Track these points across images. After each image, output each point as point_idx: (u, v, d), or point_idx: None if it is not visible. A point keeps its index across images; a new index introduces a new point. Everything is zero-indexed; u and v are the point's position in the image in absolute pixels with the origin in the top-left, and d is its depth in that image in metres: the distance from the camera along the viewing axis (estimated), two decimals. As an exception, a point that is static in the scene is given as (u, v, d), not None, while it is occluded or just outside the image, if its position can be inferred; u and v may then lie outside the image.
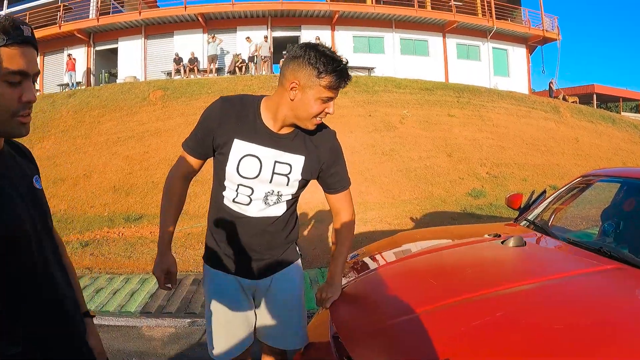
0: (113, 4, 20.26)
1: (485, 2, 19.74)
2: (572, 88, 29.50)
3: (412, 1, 18.69)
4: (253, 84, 14.42)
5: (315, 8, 17.62)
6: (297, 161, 1.64)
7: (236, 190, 1.65)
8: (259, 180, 1.62)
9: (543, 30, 20.30)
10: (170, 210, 1.70)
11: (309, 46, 1.48)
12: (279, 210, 1.71)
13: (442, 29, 19.11)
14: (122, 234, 7.89)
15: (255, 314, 1.84)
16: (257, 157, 1.60)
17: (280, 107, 1.55)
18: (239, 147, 1.59)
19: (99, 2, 18.95)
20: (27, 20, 18.64)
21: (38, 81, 7.40)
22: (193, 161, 1.68)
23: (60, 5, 19.35)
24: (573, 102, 19.26)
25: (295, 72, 1.47)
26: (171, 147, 11.49)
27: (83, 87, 17.91)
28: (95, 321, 2.90)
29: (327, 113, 1.53)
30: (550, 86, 22.14)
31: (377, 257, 2.39)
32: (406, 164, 10.46)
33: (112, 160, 11.62)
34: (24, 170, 1.12)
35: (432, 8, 19.47)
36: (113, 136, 12.68)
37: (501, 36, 20.08)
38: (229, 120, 1.59)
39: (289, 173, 1.64)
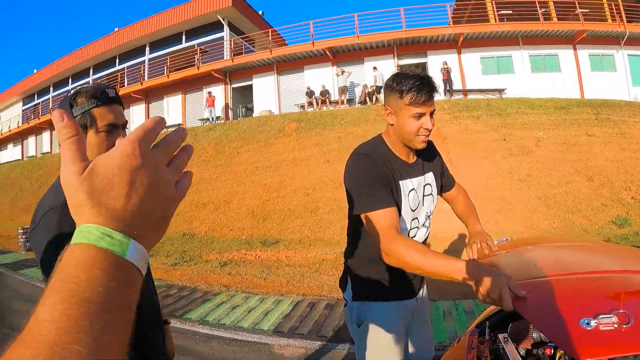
0: (245, 45, 22.84)
1: (613, 5, 18.96)
2: None
3: (536, 14, 18.40)
4: (384, 112, 15.39)
5: (439, 33, 18.01)
6: (431, 177, 1.96)
7: (409, 225, 1.84)
8: (420, 209, 1.89)
9: None
10: (434, 253, 1.50)
11: (393, 74, 1.79)
12: (429, 227, 1.98)
13: (571, 40, 18.69)
14: (259, 257, 8.75)
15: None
16: (415, 190, 1.85)
17: (391, 136, 1.85)
18: (404, 186, 1.81)
19: (232, 44, 21.48)
20: (167, 63, 21.94)
21: (182, 118, 16.84)
22: (392, 212, 1.67)
23: (197, 49, 22.30)
24: None
25: (387, 100, 1.81)
26: (306, 176, 12.49)
27: (222, 121, 20.33)
28: (229, 335, 4.62)
29: (426, 129, 1.73)
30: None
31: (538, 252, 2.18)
32: (544, 190, 10.38)
33: (250, 188, 12.90)
34: None
35: (559, 19, 19.10)
36: (251, 166, 14.18)
37: (636, 41, 19.14)
38: (385, 166, 1.78)
39: (432, 191, 1.95)
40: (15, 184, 25.60)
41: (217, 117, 20.79)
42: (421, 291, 2.05)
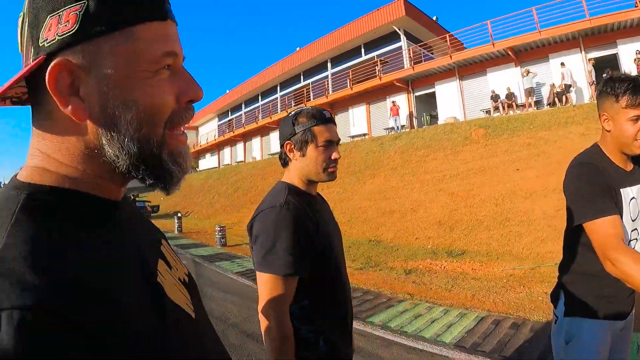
0: (424, 53, 23.34)
1: None
2: None
3: None
4: (576, 114, 14.13)
5: (629, 17, 15.71)
6: None
7: (629, 236, 1.81)
8: None
9: None
10: None
11: (606, 79, 1.82)
12: None
13: None
14: (444, 267, 8.57)
15: None
16: (635, 198, 1.83)
17: (608, 144, 1.86)
18: (625, 195, 1.79)
19: (411, 53, 22.28)
20: (350, 76, 23.65)
21: (367, 128, 17.19)
22: (616, 221, 1.67)
23: (377, 61, 23.81)
24: None
25: (602, 106, 1.83)
26: (495, 185, 12.02)
27: (407, 129, 21.12)
28: (411, 343, 4.70)
29: None
30: None
31: None
32: None
33: (437, 197, 12.84)
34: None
35: None
36: (438, 174, 14.32)
37: None
38: (604, 174, 1.79)
39: None
40: (212, 188, 29.62)
41: (402, 126, 21.72)
42: (630, 315, 1.95)
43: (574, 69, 16.92)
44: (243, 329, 5.31)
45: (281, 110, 31.13)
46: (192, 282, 0.87)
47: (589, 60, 16.76)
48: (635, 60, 15.72)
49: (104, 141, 0.61)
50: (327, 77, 28.57)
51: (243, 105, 38.56)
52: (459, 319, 5.41)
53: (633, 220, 1.83)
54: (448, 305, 6.06)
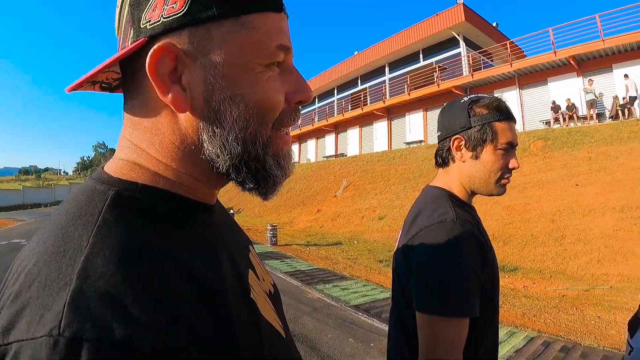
0: (483, 60, 23.12)
1: None
2: None
3: None
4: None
5: None
6: None
7: None
8: None
9: None
10: None
11: None
12: None
13: None
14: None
15: None
16: None
17: None
18: None
19: (471, 59, 21.95)
20: (407, 82, 23.78)
21: (423, 135, 19.34)
22: None
23: (435, 67, 23.73)
24: None
25: None
26: (553, 200, 11.70)
27: None
28: None
29: None
30: None
31: None
32: None
33: (493, 209, 12.43)
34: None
35: None
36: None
37: None
38: None
39: None
40: None
41: None
42: None
43: (627, 83, 16.24)
44: (290, 330, 5.72)
45: (337, 114, 31.51)
46: (277, 293, 0.82)
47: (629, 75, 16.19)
48: None
49: (204, 137, 0.56)
50: (384, 81, 28.78)
51: (300, 108, 38.92)
52: (508, 337, 5.34)
53: None
54: (501, 323, 5.84)
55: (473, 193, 1.38)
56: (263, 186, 0.61)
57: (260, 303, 0.64)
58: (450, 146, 1.35)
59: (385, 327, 5.27)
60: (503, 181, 1.33)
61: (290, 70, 0.61)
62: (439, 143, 1.43)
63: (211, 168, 0.58)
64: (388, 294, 7.13)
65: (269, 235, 14.09)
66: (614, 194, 10.33)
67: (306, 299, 6.96)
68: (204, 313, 0.47)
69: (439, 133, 1.42)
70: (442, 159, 1.40)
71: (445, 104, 1.43)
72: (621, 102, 16.29)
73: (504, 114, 1.31)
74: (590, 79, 17.57)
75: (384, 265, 10.00)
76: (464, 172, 1.35)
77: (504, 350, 4.87)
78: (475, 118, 1.30)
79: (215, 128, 0.56)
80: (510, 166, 1.31)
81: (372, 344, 4.92)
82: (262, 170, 0.60)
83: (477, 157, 1.31)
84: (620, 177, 10.74)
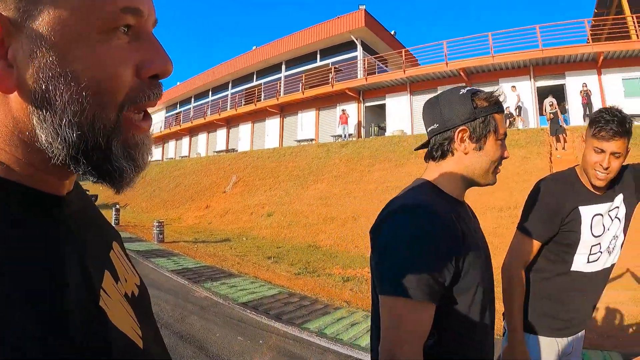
0: (379, 65, 23.44)
1: None
2: None
3: None
4: (520, 137, 14.70)
5: (577, 52, 16.75)
6: (620, 200, 1.94)
7: (588, 251, 1.86)
8: (605, 234, 1.89)
9: None
10: (519, 307, 1.85)
11: (600, 109, 1.83)
12: (617, 256, 1.97)
13: None
14: None
15: None
16: (600, 215, 1.88)
17: (582, 164, 1.92)
18: (585, 213, 1.85)
19: (366, 64, 22.21)
20: (303, 81, 23.23)
21: (314, 133, 18.15)
22: (536, 246, 1.87)
23: (331, 68, 23.53)
24: None
25: (586, 132, 1.88)
26: None
27: (354, 138, 21.06)
28: (346, 351, 4.61)
29: (601, 165, 1.80)
30: None
31: None
32: None
33: (379, 207, 11.83)
34: (478, 225, 1.40)
35: None
36: (382, 185, 14.23)
37: None
38: (567, 194, 1.88)
39: (618, 213, 1.94)
40: (153, 182, 28.26)
41: (350, 135, 21.59)
42: (579, 333, 2.02)
43: (523, 94, 17.69)
44: (176, 330, 5.06)
45: (231, 108, 30.17)
46: (142, 294, 0.69)
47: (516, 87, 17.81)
48: (581, 92, 16.63)
49: (35, 122, 0.44)
50: (279, 79, 28.02)
51: (192, 100, 37.14)
52: None
53: (596, 237, 1.87)
54: None
55: (468, 186, 1.34)
56: (110, 180, 0.50)
57: (114, 310, 0.51)
58: (453, 138, 1.26)
59: (273, 324, 5.43)
60: (498, 170, 1.32)
61: (145, 37, 0.49)
62: (434, 136, 1.31)
63: (49, 157, 0.46)
64: (276, 291, 7.25)
65: (155, 232, 13.27)
66: (495, 195, 10.62)
67: (193, 297, 6.73)
68: (28, 325, 0.36)
69: (435, 126, 1.30)
70: (441, 151, 1.30)
71: (434, 97, 1.34)
72: (507, 112, 16.78)
73: (501, 106, 1.30)
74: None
75: (273, 262, 9.94)
76: (464, 164, 1.29)
77: None
78: (478, 110, 1.24)
79: (44, 112, 0.44)
80: (505, 156, 1.31)
81: (260, 341, 4.85)
82: (106, 162, 0.48)
83: (480, 148, 1.26)
84: (498, 180, 10.80)
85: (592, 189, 1.90)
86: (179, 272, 8.59)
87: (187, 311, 5.93)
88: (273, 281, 8.07)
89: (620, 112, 1.79)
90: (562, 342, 1.93)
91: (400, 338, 1.08)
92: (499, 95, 1.29)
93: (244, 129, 29.23)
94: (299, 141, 24.39)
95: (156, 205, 23.74)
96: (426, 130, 1.35)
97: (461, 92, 1.28)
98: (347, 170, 16.72)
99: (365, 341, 4.84)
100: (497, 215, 10.17)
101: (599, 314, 5.96)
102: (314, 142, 23.57)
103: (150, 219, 17.03)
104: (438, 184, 1.31)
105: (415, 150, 1.56)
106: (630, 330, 5.63)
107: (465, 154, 1.27)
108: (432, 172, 1.33)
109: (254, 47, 30.41)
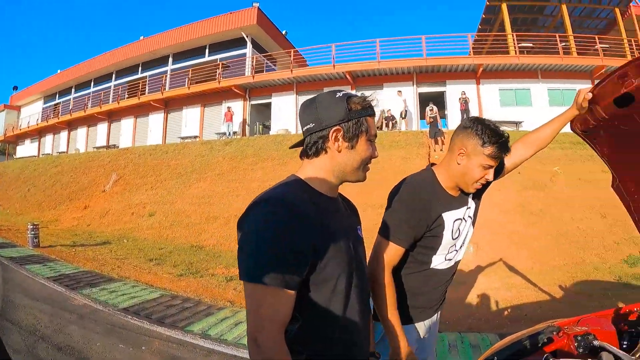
0: (267, 63, 23.15)
1: (633, 41, 19.35)
2: None
3: (556, 48, 18.64)
4: (400, 139, 15.53)
5: (459, 62, 18.26)
6: (472, 202, 2.07)
7: (447, 250, 1.96)
8: (460, 235, 2.00)
9: None
10: (392, 305, 1.81)
11: (478, 120, 1.84)
12: (462, 247, 2.08)
13: (590, 75, 18.65)
14: None
15: None
16: (459, 219, 1.96)
17: (447, 172, 1.94)
18: (448, 218, 1.90)
19: (254, 61, 21.86)
20: (189, 75, 22.23)
21: (199, 130, 18.48)
22: (401, 252, 1.86)
23: (219, 64, 22.71)
24: None
25: (463, 141, 1.85)
26: None
27: (239, 136, 20.58)
28: (231, 351, 4.63)
29: (487, 180, 1.88)
30: None
31: None
32: (557, 227, 10.14)
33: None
34: (353, 220, 1.50)
35: (578, 54, 19.24)
36: (264, 183, 13.76)
37: None
38: (432, 201, 1.89)
39: (471, 214, 2.07)
40: (28, 180, 25.81)
41: (234, 132, 21.07)
42: (434, 316, 2.13)
43: (407, 99, 18.48)
44: (54, 342, 4.74)
45: (113, 101, 27.95)
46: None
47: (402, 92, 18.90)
48: (459, 99, 17.79)
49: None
50: (166, 72, 26.45)
51: (73, 90, 33.80)
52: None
53: (454, 239, 1.97)
54: None
55: (340, 182, 1.41)
56: None
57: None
58: (328, 136, 1.33)
59: (156, 328, 5.28)
60: (367, 168, 1.42)
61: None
62: (309, 135, 1.37)
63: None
64: (158, 294, 7.06)
65: (30, 235, 11.99)
66: (375, 193, 10.53)
67: (72, 305, 6.34)
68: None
69: (311, 125, 1.36)
70: (315, 149, 1.36)
71: (310, 98, 1.40)
72: (386, 115, 18.36)
73: (372, 110, 1.39)
74: (362, 93, 18.32)
75: (155, 264, 9.69)
76: (336, 161, 1.36)
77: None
78: (352, 112, 1.32)
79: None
80: (374, 155, 1.41)
81: (143, 347, 4.70)
82: None
83: (352, 147, 1.35)
84: (379, 179, 11.00)
85: (449, 192, 1.97)
86: (55, 279, 8.05)
87: (65, 321, 5.60)
88: (155, 284, 7.89)
89: (498, 127, 1.87)
90: (424, 325, 2.04)
91: (260, 322, 1.14)
92: (372, 100, 1.40)
93: (126, 123, 27.32)
94: (182, 138, 23.22)
95: (31, 206, 21.68)
96: (302, 129, 1.39)
97: (337, 95, 1.34)
98: (230, 168, 16.41)
99: None
100: (377, 212, 10.09)
101: (476, 300, 6.70)
102: (197, 139, 22.60)
103: (25, 221, 15.65)
104: (308, 180, 1.36)
105: (290, 148, 1.60)
106: (505, 313, 6.18)
107: (339, 152, 1.34)
108: (305, 169, 1.39)
109: (141, 37, 28.42)
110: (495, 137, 1.80)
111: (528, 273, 8.12)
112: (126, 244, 12.34)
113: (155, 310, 6.13)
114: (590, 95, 1.87)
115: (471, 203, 2.07)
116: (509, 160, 2.22)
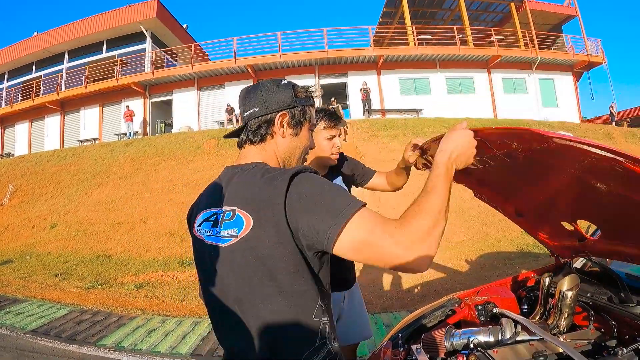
0: (167, 59, 22.20)
1: (527, 33, 20.38)
2: (627, 110, 29.99)
3: (454, 40, 19.47)
4: None
5: (361, 54, 18.59)
6: (340, 180, 2.40)
7: None
8: None
9: (587, 54, 20.64)
10: None
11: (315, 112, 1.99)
12: None
13: (486, 64, 19.70)
14: (176, 278, 8.37)
15: None
16: None
17: (317, 154, 2.20)
18: None
19: (154, 57, 20.91)
20: (86, 73, 20.97)
21: (98, 132, 15.61)
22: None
23: (117, 60, 21.53)
24: (627, 125, 19.85)
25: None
26: None
27: (140, 136, 19.64)
28: None
29: (338, 146, 2.23)
30: (610, 111, 22.46)
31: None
32: (459, 205, 10.64)
33: (167, 207, 12.51)
34: None
35: (475, 45, 20.26)
36: (169, 183, 13.80)
37: (546, 66, 20.49)
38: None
39: None
40: None
41: (135, 132, 20.15)
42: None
43: None
44: None
45: (6, 104, 25.65)
46: None
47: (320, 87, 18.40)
48: (361, 90, 18.23)
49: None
50: (62, 70, 24.55)
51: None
52: (192, 327, 5.39)
53: None
54: (181, 316, 5.96)
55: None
56: None
57: None
58: (274, 121, 1.32)
59: (67, 347, 4.95)
60: (305, 158, 1.43)
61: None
62: (251, 120, 1.33)
63: None
64: (66, 310, 6.58)
65: None
66: None
67: None
68: None
69: (255, 109, 1.32)
70: (260, 135, 1.33)
71: (253, 85, 1.37)
72: None
73: (314, 100, 1.39)
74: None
75: (61, 279, 8.99)
76: (281, 148, 1.35)
77: (190, 341, 4.88)
78: (298, 99, 1.32)
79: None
80: (312, 146, 1.42)
81: None
82: None
83: (297, 134, 1.35)
84: None
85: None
86: None
87: None
88: (62, 300, 7.38)
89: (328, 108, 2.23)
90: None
91: (389, 231, 1.02)
92: (314, 91, 1.40)
93: (21, 128, 25.16)
94: (81, 141, 21.76)
95: None
96: (242, 115, 1.37)
97: (283, 82, 1.35)
98: (133, 170, 15.66)
99: (165, 346, 4.76)
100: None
101: (388, 281, 6.83)
102: (97, 141, 21.29)
103: None
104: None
105: (224, 137, 1.56)
106: (415, 290, 6.28)
107: (283, 137, 1.33)
108: (251, 155, 1.34)
109: (35, 33, 26.25)
110: (322, 115, 2.15)
111: (435, 250, 8.64)
112: (29, 261, 11.45)
113: (64, 327, 5.79)
114: (410, 153, 1.93)
115: (340, 183, 2.32)
116: (373, 179, 2.46)
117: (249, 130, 1.31)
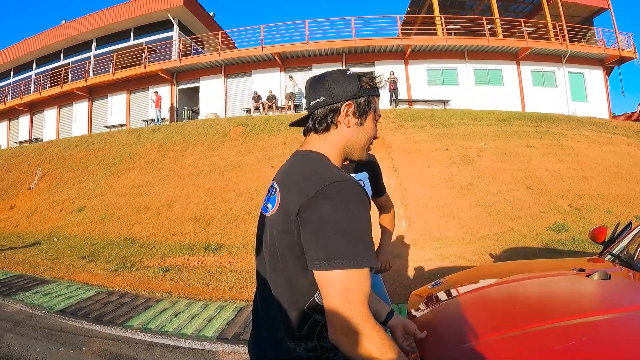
0: (194, 46, 22.31)
1: (557, 25, 19.88)
2: (658, 108, 29.18)
3: (483, 30, 19.09)
4: None
5: (388, 43, 18.42)
6: (365, 176, 2.52)
7: None
8: None
9: (619, 49, 20.06)
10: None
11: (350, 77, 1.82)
12: None
13: (515, 56, 19.33)
14: (202, 262, 8.46)
15: None
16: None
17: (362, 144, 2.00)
18: None
19: (181, 44, 21.01)
20: (114, 61, 21.13)
21: (125, 118, 16.43)
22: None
23: (144, 47, 21.64)
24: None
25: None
26: (251, 181, 12.40)
27: (167, 123, 19.71)
28: (173, 342, 4.48)
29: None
30: (639, 109, 22.00)
31: (457, 288, 2.48)
32: (485, 199, 10.45)
33: (194, 192, 12.55)
34: None
35: (504, 36, 19.83)
36: (195, 169, 13.81)
37: (576, 59, 19.98)
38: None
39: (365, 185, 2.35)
40: None
41: (163, 119, 20.22)
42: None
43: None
44: None
45: (34, 91, 25.93)
46: None
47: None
48: (388, 79, 17.65)
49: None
50: (89, 58, 24.78)
51: (-8, 81, 31.05)
52: (218, 311, 5.45)
53: None
54: (207, 300, 6.03)
55: (344, 160, 1.40)
56: None
57: None
58: (339, 110, 1.32)
59: (95, 327, 5.04)
60: (369, 148, 1.42)
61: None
62: (317, 109, 1.34)
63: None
64: (94, 292, 6.71)
65: None
66: None
67: (6, 313, 5.89)
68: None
69: (322, 99, 1.33)
70: (326, 124, 1.34)
71: (320, 75, 1.38)
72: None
73: (379, 91, 1.39)
74: (290, 75, 18.81)
75: (88, 261, 9.12)
76: (345, 137, 1.35)
77: (216, 325, 4.93)
78: (363, 89, 1.33)
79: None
80: (377, 136, 1.41)
81: (84, 348, 4.45)
82: None
83: (361, 124, 1.35)
84: None
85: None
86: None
87: (0, 330, 5.18)
88: (90, 282, 7.52)
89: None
90: None
91: (358, 309, 1.07)
92: (379, 81, 1.38)
93: (50, 115, 25.42)
94: (109, 127, 21.93)
95: None
96: (308, 104, 1.37)
97: (349, 73, 1.35)
98: (160, 156, 15.70)
99: (191, 329, 4.81)
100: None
101: (412, 273, 6.83)
102: (125, 127, 21.42)
103: (-54, 229, 14.59)
104: (328, 156, 1.33)
105: (290, 125, 1.53)
106: (441, 282, 5.94)
107: (348, 127, 1.33)
108: (315, 144, 1.36)
109: (63, 21, 26.47)
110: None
111: (459, 243, 8.39)
112: (57, 243, 11.56)
113: (92, 308, 5.89)
114: None
115: (364, 177, 2.35)
116: (380, 199, 2.66)
117: (315, 119, 1.34)
